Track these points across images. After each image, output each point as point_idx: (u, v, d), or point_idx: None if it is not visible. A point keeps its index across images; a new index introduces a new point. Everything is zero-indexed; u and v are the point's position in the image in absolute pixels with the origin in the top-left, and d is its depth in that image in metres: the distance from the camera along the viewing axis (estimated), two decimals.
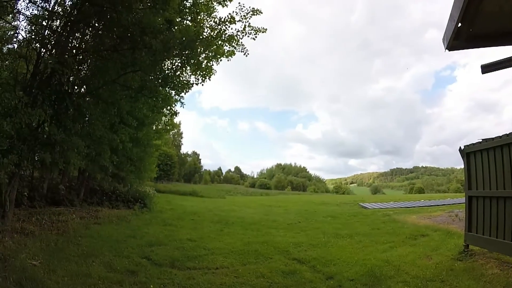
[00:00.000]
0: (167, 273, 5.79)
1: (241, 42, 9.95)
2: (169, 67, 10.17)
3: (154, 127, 17.69)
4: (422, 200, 27.58)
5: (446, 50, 4.00)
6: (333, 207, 23.48)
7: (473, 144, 7.16)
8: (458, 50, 4.08)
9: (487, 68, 2.07)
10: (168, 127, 22.95)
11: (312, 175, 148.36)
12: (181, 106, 12.73)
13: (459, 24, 3.59)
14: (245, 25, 9.64)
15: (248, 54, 10.16)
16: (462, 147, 7.50)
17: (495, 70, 2.08)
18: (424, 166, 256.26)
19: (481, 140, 6.94)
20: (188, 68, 10.23)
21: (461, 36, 3.83)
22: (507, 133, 6.10)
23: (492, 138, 6.54)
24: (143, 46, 8.26)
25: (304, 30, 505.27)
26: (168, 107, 13.26)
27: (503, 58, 1.99)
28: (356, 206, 23.55)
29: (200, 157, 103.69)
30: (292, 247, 8.25)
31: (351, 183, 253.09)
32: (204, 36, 9.46)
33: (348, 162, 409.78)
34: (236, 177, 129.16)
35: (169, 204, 19.27)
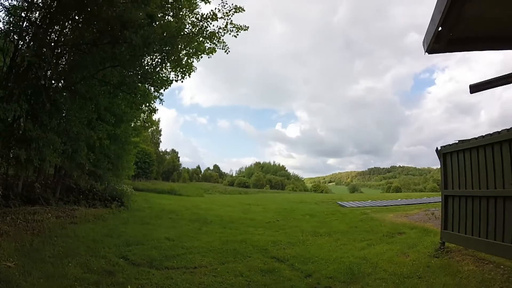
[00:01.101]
0: (145, 273, 5.67)
1: (222, 40, 9.98)
2: (149, 63, 10.09)
3: (132, 124, 17.37)
4: (399, 199, 27.97)
5: (426, 53, 4.03)
6: (311, 205, 23.59)
7: (450, 145, 7.35)
8: (438, 54, 4.11)
9: (475, 88, 2.09)
10: (147, 124, 22.59)
11: (291, 174, 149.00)
12: (160, 103, 12.63)
13: (440, 28, 3.61)
14: (227, 22, 9.66)
15: (229, 51, 10.19)
16: (439, 148, 7.69)
17: (483, 90, 2.09)
18: (401, 165, 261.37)
19: (457, 141, 7.11)
20: (168, 64, 10.16)
21: (441, 40, 3.86)
22: (483, 135, 6.27)
23: (469, 140, 6.71)
24: (123, 40, 8.14)
25: (288, 29, 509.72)
26: (147, 104, 13.09)
27: (491, 78, 2.01)
28: (334, 205, 23.72)
29: (179, 155, 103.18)
30: (271, 246, 8.23)
31: (329, 182, 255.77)
32: (186, 32, 9.42)
33: (327, 161, 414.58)
34: (215, 175, 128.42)
35: (147, 203, 19.03)
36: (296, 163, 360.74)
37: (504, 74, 1.98)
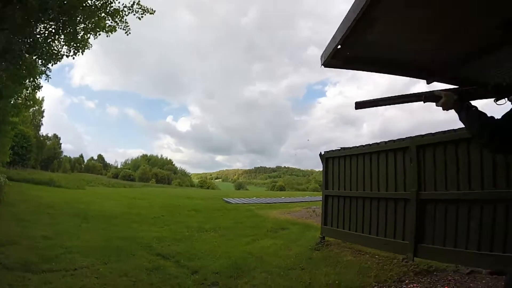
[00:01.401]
0: (20, 278, 4.85)
1: (125, 19, 9.06)
2: (41, 32, 8.79)
3: (12, 101, 14.44)
4: (283, 197, 29.41)
5: (322, 66, 4.24)
6: (197, 201, 23.50)
7: (333, 150, 8.06)
8: (333, 69, 4.37)
9: (360, 105, 2.24)
10: (29, 103, 19.45)
11: (178, 168, 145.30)
12: (46, 79, 10.94)
13: (339, 46, 3.80)
14: (134, 2, 8.86)
15: (130, 33, 9.28)
16: (323, 153, 8.30)
17: (367, 107, 2.25)
18: (286, 166, 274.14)
19: (339, 148, 7.87)
20: (62, 36, 8.93)
21: (338, 57, 4.06)
22: (363, 144, 7.13)
23: (350, 148, 7.56)
24: (18, 1, 6.98)
25: (195, 21, 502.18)
26: (32, 79, 11.30)
27: (375, 98, 2.20)
28: (220, 201, 24.01)
29: (61, 141, 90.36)
30: (156, 242, 7.88)
31: (216, 179, 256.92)
32: (88, 5, 8.40)
33: (215, 158, 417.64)
34: (99, 166, 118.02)
35: (22, 195, 16.75)
36: (184, 157, 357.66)
37: (388, 96, 2.18)
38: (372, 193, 6.68)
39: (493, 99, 1.95)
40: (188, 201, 22.68)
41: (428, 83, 5.61)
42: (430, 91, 2.06)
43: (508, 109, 1.63)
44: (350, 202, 7.23)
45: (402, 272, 5.38)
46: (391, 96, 2.22)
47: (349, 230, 7.10)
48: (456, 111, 1.89)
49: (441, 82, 5.92)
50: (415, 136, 6.04)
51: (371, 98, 2.30)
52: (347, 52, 3.99)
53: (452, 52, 4.72)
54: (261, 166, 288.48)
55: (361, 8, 3.08)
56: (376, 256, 6.38)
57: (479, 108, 1.80)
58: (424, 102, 2.08)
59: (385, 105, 2.29)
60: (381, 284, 4.96)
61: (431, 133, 5.77)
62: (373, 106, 2.30)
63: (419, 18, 3.66)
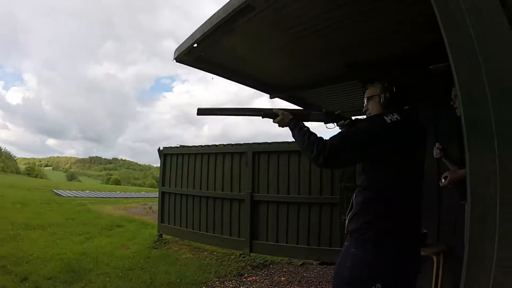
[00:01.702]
0: None
1: None
2: None
3: None
4: (118, 192, 28.23)
5: (174, 60, 4.30)
6: (23, 191, 20.43)
7: (172, 147, 8.13)
8: (184, 65, 4.47)
9: (202, 112, 2.38)
10: None
11: (2, 150, 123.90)
12: None
13: (195, 45, 3.91)
14: None
15: None
16: (161, 148, 8.26)
17: (208, 115, 2.41)
18: (123, 159, 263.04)
19: (179, 146, 7.98)
20: None
21: (192, 55, 4.17)
22: (202, 145, 7.47)
23: (189, 146, 7.79)
24: None
25: None
26: None
27: (218, 107, 2.38)
28: (49, 193, 21.65)
29: None
30: None
31: (46, 166, 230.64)
32: None
33: (46, 141, 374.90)
34: None
35: None
36: (11, 136, 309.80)
37: (230, 107, 2.41)
38: (210, 192, 7.02)
39: (324, 123, 2.34)
40: (12, 192, 19.56)
41: (271, 97, 6.25)
42: (269, 109, 2.26)
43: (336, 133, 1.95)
44: (187, 200, 7.44)
45: (240, 267, 5.79)
46: (233, 108, 2.41)
47: (187, 228, 7.33)
48: (290, 129, 2.16)
49: (282, 99, 6.68)
50: (253, 143, 6.62)
51: (214, 107, 2.46)
52: (202, 52, 4.16)
53: (298, 77, 5.39)
54: (96, 156, 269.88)
55: (226, 16, 3.28)
56: (215, 253, 6.70)
57: (311, 129, 2.09)
58: (262, 118, 2.29)
59: (227, 115, 2.47)
60: (222, 279, 5.23)
61: (267, 142, 6.44)
62: (214, 115, 2.45)
63: (275, 42, 4.07)
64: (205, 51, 4.18)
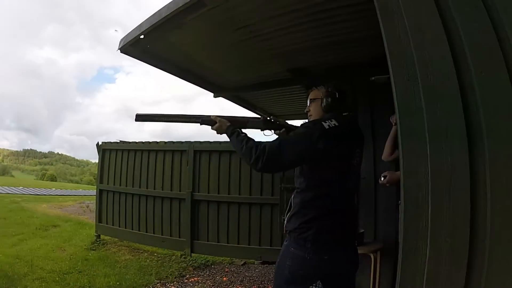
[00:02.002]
0: None
1: None
2: None
3: None
4: (53, 189, 26.99)
5: (119, 50, 4.19)
6: None
7: (111, 142, 7.81)
8: (129, 57, 4.36)
9: (141, 118, 2.38)
10: None
11: None
12: None
13: (142, 36, 3.83)
14: None
15: None
16: (100, 143, 7.91)
17: (147, 121, 2.42)
18: (60, 153, 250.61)
19: (119, 141, 7.71)
20: None
21: (138, 46, 4.10)
22: (143, 141, 7.29)
23: (129, 142, 7.53)
24: None
25: None
26: None
27: (157, 113, 2.39)
28: None
29: None
30: None
31: None
32: None
33: None
34: None
35: None
36: None
37: (169, 113, 2.42)
38: (149, 191, 6.88)
39: (261, 130, 2.41)
40: None
41: (215, 96, 6.29)
42: (207, 116, 2.30)
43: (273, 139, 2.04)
44: (126, 199, 7.23)
45: (182, 268, 5.76)
46: (172, 114, 2.43)
47: (126, 228, 7.11)
48: (228, 136, 2.21)
49: (226, 99, 6.73)
50: (194, 141, 6.56)
51: (153, 113, 2.47)
52: (148, 44, 4.11)
53: (242, 78, 5.46)
54: (31, 149, 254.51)
55: (176, 9, 3.27)
56: (155, 254, 6.61)
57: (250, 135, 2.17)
58: (201, 125, 2.34)
59: (165, 121, 2.49)
60: (163, 281, 5.19)
61: (209, 141, 6.40)
62: (153, 121, 2.47)
63: (222, 42, 4.09)
64: (152, 44, 4.14)
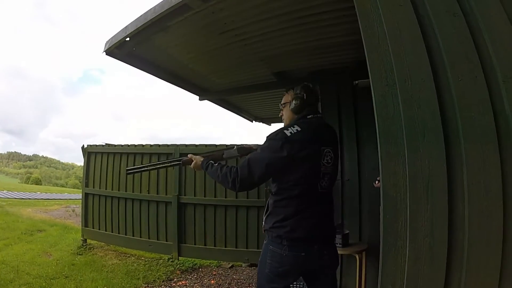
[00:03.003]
0: None
1: None
2: None
3: None
4: (38, 192, 26.60)
5: (104, 52, 4.18)
6: None
7: (96, 145, 7.72)
8: (114, 59, 4.35)
9: (131, 171, 2.56)
10: None
11: None
12: None
13: (128, 39, 3.83)
14: None
15: None
16: (85, 146, 7.82)
17: (137, 173, 2.60)
18: (45, 156, 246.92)
19: (104, 144, 7.61)
20: None
21: (123, 49, 4.09)
22: (129, 144, 7.21)
23: (115, 145, 7.44)
24: None
25: None
26: None
27: (143, 165, 2.57)
28: None
29: None
30: None
31: None
32: None
33: None
34: None
35: None
36: None
37: (154, 163, 2.61)
38: (136, 194, 6.84)
39: (238, 157, 2.67)
40: None
41: (200, 99, 6.30)
42: (185, 157, 2.56)
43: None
44: (112, 202, 7.16)
45: (169, 271, 5.74)
46: (157, 163, 2.64)
47: (112, 232, 7.07)
48: (204, 170, 2.39)
49: (211, 102, 6.75)
50: (180, 144, 6.57)
51: (140, 166, 2.63)
52: (133, 47, 4.11)
53: (227, 82, 5.48)
54: (15, 152, 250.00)
55: (162, 12, 3.29)
56: (142, 258, 6.58)
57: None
58: (182, 166, 2.63)
59: (152, 170, 2.69)
60: (151, 285, 5.18)
61: (194, 144, 6.43)
62: (143, 171, 2.65)
63: (207, 45, 4.11)
64: (137, 47, 4.14)
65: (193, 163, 2.48)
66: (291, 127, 2.11)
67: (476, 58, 1.54)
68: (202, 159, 2.44)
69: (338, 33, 3.56)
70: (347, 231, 4.01)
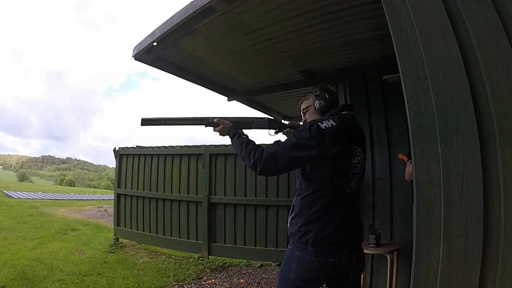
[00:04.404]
0: None
1: None
2: None
3: None
4: (72, 193, 27.26)
5: (133, 58, 4.26)
6: None
7: (127, 147, 7.91)
8: (143, 63, 4.43)
9: (146, 122, 2.40)
10: None
11: None
12: None
13: (155, 43, 3.89)
14: None
15: None
16: (117, 148, 8.00)
17: (152, 125, 2.43)
18: (78, 159, 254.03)
19: (135, 146, 7.79)
20: None
21: (151, 53, 4.16)
22: (159, 146, 7.32)
23: (146, 147, 7.59)
24: None
25: None
26: None
27: (162, 117, 2.41)
28: None
29: None
30: None
31: None
32: None
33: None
34: None
35: None
36: None
37: (174, 117, 2.42)
38: (166, 194, 6.93)
39: (267, 130, 2.44)
40: None
41: (229, 100, 6.32)
42: (211, 117, 2.33)
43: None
44: (143, 203, 7.30)
45: (199, 270, 5.81)
46: (177, 117, 2.45)
47: (144, 231, 7.19)
48: (230, 137, 2.25)
49: (239, 102, 6.76)
50: (210, 145, 6.59)
51: (158, 117, 2.48)
52: (161, 51, 4.17)
53: (255, 82, 5.48)
54: (49, 155, 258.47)
55: (187, 16, 3.31)
56: (173, 257, 6.67)
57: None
58: (205, 127, 2.37)
59: (171, 125, 2.51)
60: (181, 283, 5.23)
61: (224, 144, 6.42)
62: (158, 125, 2.49)
63: (233, 46, 4.12)
64: (164, 51, 4.20)
65: (219, 127, 2.30)
66: (326, 121, 1.97)
67: (509, 47, 1.46)
68: (230, 125, 2.28)
69: (363, 28, 3.48)
70: (379, 231, 3.93)
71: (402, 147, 3.97)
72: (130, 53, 4.25)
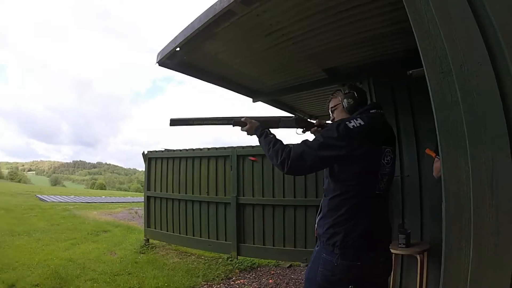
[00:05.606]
0: None
1: None
2: None
3: None
4: (103, 196, 27.92)
5: (157, 63, 4.33)
6: (6, 197, 19.86)
7: (156, 151, 8.02)
8: (167, 68, 4.50)
9: (175, 122, 2.40)
10: None
11: None
12: None
13: (178, 49, 3.94)
14: None
15: None
16: (146, 152, 8.15)
17: (181, 125, 2.42)
18: (108, 163, 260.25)
19: (164, 149, 7.90)
20: None
21: (174, 58, 4.22)
22: (187, 148, 7.40)
23: (174, 150, 7.70)
24: None
25: None
26: None
27: (190, 117, 2.40)
28: (33, 198, 21.09)
29: None
30: None
31: (29, 170, 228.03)
32: None
33: (32, 144, 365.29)
34: None
35: None
36: None
37: (202, 116, 2.42)
38: (195, 196, 7.02)
39: (295, 129, 2.41)
40: None
41: (254, 101, 6.32)
42: (239, 117, 2.33)
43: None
44: (173, 204, 7.41)
45: (228, 270, 5.84)
46: (205, 117, 2.44)
47: (173, 232, 7.30)
48: (257, 137, 2.24)
49: (264, 102, 6.75)
50: (237, 146, 6.62)
51: (187, 117, 2.48)
52: (184, 56, 4.20)
53: (278, 82, 5.46)
54: (81, 160, 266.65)
55: (208, 20, 3.33)
56: (202, 257, 6.73)
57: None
58: (233, 126, 2.37)
59: (199, 125, 2.50)
60: (210, 283, 5.27)
61: (251, 145, 6.45)
62: (187, 125, 2.48)
63: (255, 47, 4.12)
64: (187, 55, 4.24)
65: (246, 127, 2.30)
66: (354, 120, 1.93)
67: None
68: (257, 124, 2.28)
69: (383, 22, 3.40)
70: (409, 231, 3.84)
71: (430, 143, 3.86)
72: (155, 59, 4.32)
